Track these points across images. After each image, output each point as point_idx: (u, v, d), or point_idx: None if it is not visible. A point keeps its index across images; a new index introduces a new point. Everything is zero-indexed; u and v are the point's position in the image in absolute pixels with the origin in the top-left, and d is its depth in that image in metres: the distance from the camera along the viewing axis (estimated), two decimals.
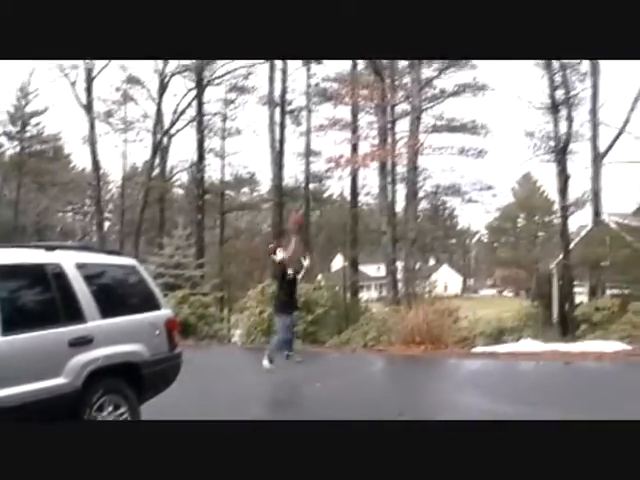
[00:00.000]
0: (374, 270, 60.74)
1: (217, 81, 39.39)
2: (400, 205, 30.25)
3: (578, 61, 27.42)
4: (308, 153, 38.52)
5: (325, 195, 47.65)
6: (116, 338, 6.68)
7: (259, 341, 18.35)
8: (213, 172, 42.94)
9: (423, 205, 38.27)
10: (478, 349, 15.92)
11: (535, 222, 68.79)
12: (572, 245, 29.77)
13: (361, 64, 30.97)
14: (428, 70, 31.76)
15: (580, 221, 40.92)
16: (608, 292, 26.06)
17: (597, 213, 28.68)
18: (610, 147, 28.18)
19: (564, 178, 28.99)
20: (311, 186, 41.66)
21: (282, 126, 36.43)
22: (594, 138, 27.53)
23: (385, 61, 25.65)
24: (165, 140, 40.73)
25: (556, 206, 36.24)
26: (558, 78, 28.79)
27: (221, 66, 37.79)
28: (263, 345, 17.74)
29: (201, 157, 39.91)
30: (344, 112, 34.07)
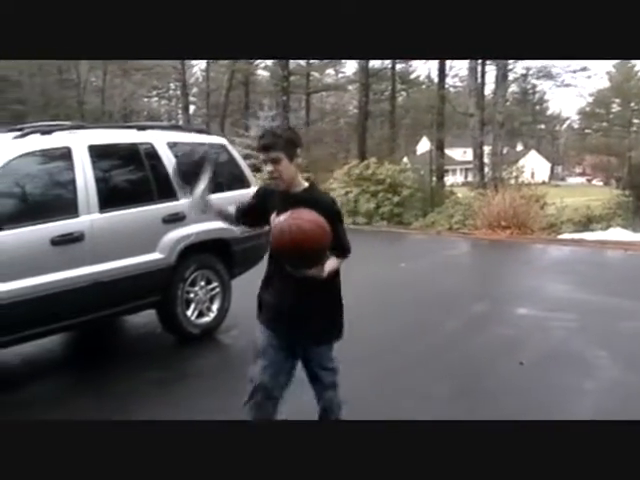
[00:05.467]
0: (460, 154, 59.65)
1: None
2: (489, 87, 29.36)
3: None
4: None
5: (412, 76, 46.65)
6: (208, 215, 6.81)
7: (345, 221, 18.49)
8: None
9: (513, 88, 36.98)
10: (565, 236, 15.72)
11: (630, 108, 65.82)
12: None
13: None
14: None
15: None
16: None
17: None
18: None
19: None
20: (398, 67, 40.79)
21: None
22: None
23: None
24: None
25: None
26: None
27: None
28: (348, 225, 17.89)
29: None
30: None
